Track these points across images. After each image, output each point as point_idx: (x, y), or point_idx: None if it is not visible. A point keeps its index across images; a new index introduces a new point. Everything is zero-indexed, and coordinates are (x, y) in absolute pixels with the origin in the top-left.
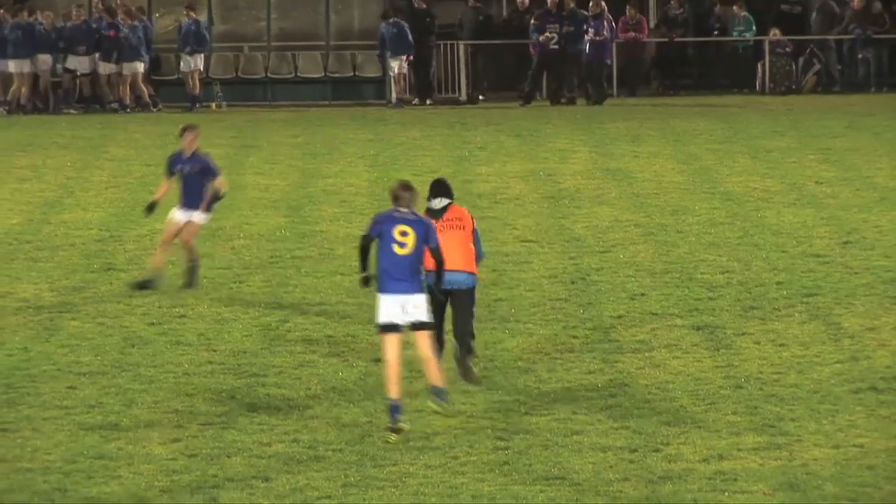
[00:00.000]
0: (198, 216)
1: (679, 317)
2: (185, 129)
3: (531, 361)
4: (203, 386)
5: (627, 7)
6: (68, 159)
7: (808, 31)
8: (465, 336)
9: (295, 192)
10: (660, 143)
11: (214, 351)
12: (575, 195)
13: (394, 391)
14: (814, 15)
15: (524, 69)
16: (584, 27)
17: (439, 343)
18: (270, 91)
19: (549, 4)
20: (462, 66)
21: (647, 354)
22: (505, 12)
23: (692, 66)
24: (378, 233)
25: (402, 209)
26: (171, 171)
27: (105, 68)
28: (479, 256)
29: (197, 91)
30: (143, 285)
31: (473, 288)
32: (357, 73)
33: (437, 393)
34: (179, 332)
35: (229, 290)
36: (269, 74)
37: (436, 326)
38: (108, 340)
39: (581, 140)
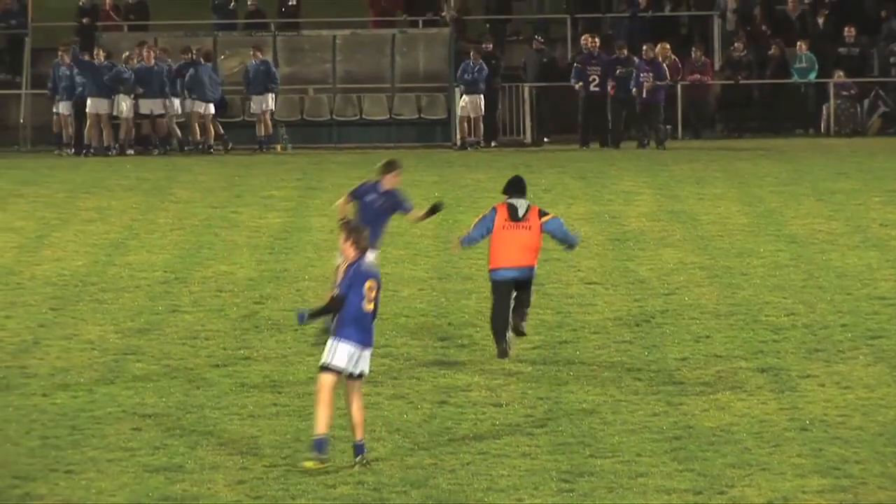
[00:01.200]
0: (371, 255)
1: (744, 359)
2: (389, 165)
3: (596, 403)
4: (268, 428)
5: (693, 49)
6: (133, 201)
7: (872, 72)
8: (522, 307)
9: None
10: (724, 186)
11: (279, 393)
12: (639, 237)
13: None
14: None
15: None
16: (633, 71)
17: (505, 324)
18: (335, 133)
19: (588, 46)
20: (527, 108)
21: (711, 397)
22: (569, 55)
23: (756, 108)
24: (347, 290)
25: (369, 259)
26: (355, 196)
27: (182, 108)
28: (573, 239)
29: (270, 131)
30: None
31: (532, 279)
32: (422, 115)
33: (359, 447)
34: (244, 374)
35: (294, 332)
36: (334, 116)
37: (506, 309)
38: (173, 382)
39: (645, 182)
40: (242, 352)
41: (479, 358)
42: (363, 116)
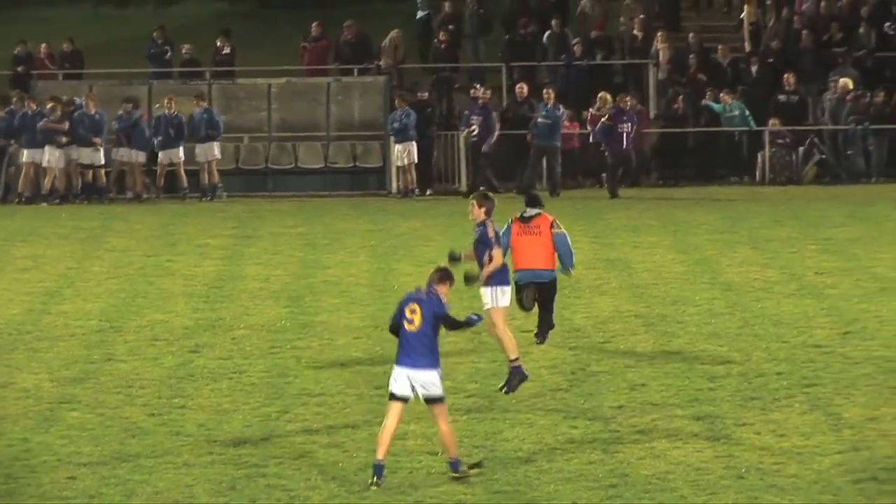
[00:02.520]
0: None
1: (679, 407)
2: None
3: (531, 451)
4: (203, 476)
5: (628, 98)
6: (68, 249)
7: (808, 120)
8: (548, 317)
9: (295, 283)
10: (660, 234)
11: (215, 441)
12: (575, 285)
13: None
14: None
15: (524, 159)
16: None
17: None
18: (271, 181)
19: (472, 95)
20: (462, 156)
21: (647, 445)
22: (504, 102)
23: (692, 157)
24: (398, 318)
25: (422, 288)
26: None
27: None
28: (568, 258)
29: (216, 180)
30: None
31: (555, 280)
32: (357, 163)
33: (455, 464)
34: (179, 423)
35: (229, 381)
36: (269, 165)
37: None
38: (108, 431)
39: (581, 230)
40: (178, 401)
41: (415, 406)
42: (299, 165)
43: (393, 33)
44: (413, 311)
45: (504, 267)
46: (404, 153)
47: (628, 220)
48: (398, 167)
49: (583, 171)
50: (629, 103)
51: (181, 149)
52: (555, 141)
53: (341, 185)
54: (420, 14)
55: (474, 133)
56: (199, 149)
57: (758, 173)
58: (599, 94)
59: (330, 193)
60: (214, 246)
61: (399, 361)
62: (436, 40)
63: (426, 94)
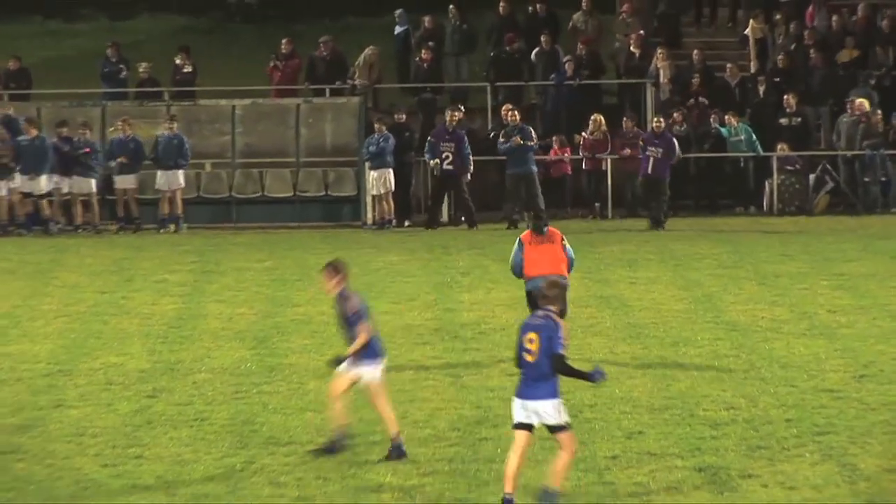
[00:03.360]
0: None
1: (680, 457)
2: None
3: None
4: None
5: (624, 120)
6: (15, 286)
7: (819, 145)
8: None
9: (261, 322)
10: (658, 269)
11: (174, 495)
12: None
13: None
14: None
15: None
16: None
17: None
18: (235, 211)
19: (448, 118)
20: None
21: (645, 498)
22: (489, 126)
23: (693, 185)
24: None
25: (539, 313)
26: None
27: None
28: (570, 261)
29: (179, 211)
30: (330, 449)
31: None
32: (329, 191)
33: (546, 495)
34: (136, 475)
35: (190, 429)
36: (233, 193)
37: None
38: (58, 484)
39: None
40: (134, 450)
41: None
42: (265, 193)
43: (368, 50)
44: (531, 341)
45: (373, 340)
46: (380, 181)
47: (623, 253)
48: (374, 196)
49: (574, 201)
50: (662, 125)
51: (136, 175)
52: (530, 165)
53: (312, 215)
54: (398, 30)
55: (447, 161)
56: (163, 176)
57: (765, 203)
58: (592, 117)
59: (299, 225)
60: (173, 282)
61: (517, 393)
62: (416, 58)
63: (404, 117)
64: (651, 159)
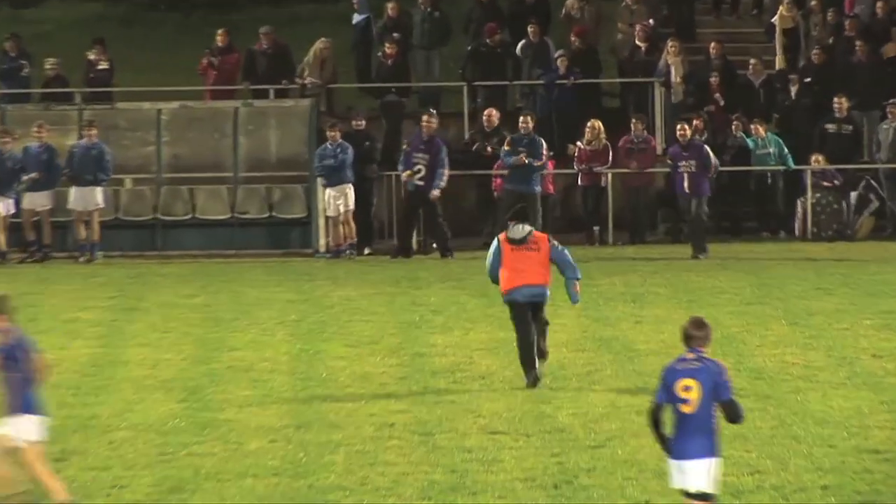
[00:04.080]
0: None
1: None
2: None
3: None
4: None
5: (633, 122)
6: None
7: (862, 157)
8: (540, 344)
9: (192, 370)
10: (669, 305)
11: None
12: (558, 373)
13: None
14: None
15: (490, 207)
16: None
17: (532, 352)
18: (161, 237)
19: (424, 125)
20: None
21: None
22: (466, 134)
23: (712, 204)
24: (666, 398)
25: (688, 356)
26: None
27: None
28: (573, 270)
29: (96, 237)
30: None
31: (545, 300)
32: (274, 213)
33: None
34: None
35: (106, 498)
36: (158, 215)
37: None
38: None
39: (565, 301)
40: None
41: None
42: (197, 215)
43: (319, 43)
44: (688, 389)
45: (32, 388)
46: (338, 200)
47: (627, 286)
48: (328, 218)
49: (567, 224)
50: (688, 132)
51: (50, 193)
52: (532, 185)
53: (253, 241)
54: (357, 19)
55: (419, 176)
56: (78, 194)
57: (797, 226)
58: (589, 123)
59: (238, 253)
60: (87, 321)
61: (672, 453)
62: (378, 53)
63: (363, 123)
64: (685, 176)
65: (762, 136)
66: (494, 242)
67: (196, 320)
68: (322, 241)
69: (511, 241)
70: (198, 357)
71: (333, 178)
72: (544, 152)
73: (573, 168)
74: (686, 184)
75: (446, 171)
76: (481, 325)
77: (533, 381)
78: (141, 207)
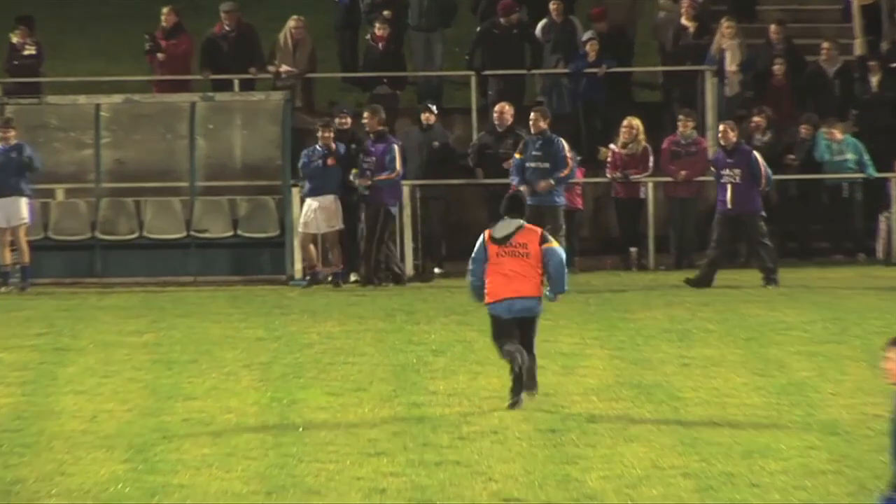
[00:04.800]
0: None
1: None
2: None
3: None
4: None
5: (680, 120)
6: None
7: None
8: (528, 362)
9: (140, 423)
10: (722, 344)
11: None
12: (587, 427)
13: None
14: None
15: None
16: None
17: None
18: (100, 260)
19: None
20: (406, 220)
21: None
22: (475, 135)
23: (775, 221)
24: None
25: None
26: None
27: None
28: (560, 281)
29: (26, 259)
30: None
31: (536, 315)
32: (239, 231)
33: None
34: None
35: None
36: (97, 234)
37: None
38: None
39: (596, 339)
40: None
41: None
42: (145, 234)
43: (291, 22)
44: None
45: None
46: (322, 216)
47: (672, 322)
48: (306, 235)
49: (599, 245)
50: (732, 134)
51: None
52: (554, 197)
53: (214, 265)
54: None
55: (363, 185)
56: (1, 204)
57: (879, 247)
58: (626, 122)
59: (196, 280)
60: (9, 364)
61: None
62: (367, 36)
63: (348, 121)
64: (728, 188)
65: (838, 139)
66: (480, 238)
67: (144, 363)
68: (297, 266)
69: (494, 239)
70: (146, 408)
71: (319, 187)
72: (568, 156)
73: (606, 176)
74: (729, 196)
75: (398, 176)
76: (492, 369)
77: (514, 404)
78: (76, 224)
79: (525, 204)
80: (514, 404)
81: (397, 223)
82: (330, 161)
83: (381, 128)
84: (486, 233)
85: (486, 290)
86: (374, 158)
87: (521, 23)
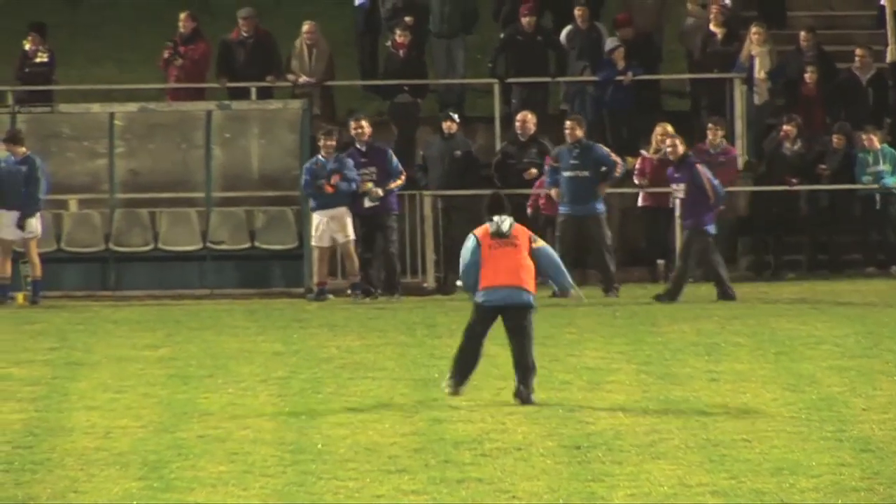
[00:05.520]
0: None
1: None
2: None
3: None
4: None
5: (710, 128)
6: None
7: None
8: (523, 369)
9: (154, 440)
10: (752, 359)
11: None
12: (613, 443)
13: None
14: None
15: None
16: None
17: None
18: (114, 273)
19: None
20: (428, 231)
21: None
22: (498, 145)
23: (806, 232)
24: None
25: None
26: None
27: None
28: (561, 276)
29: (38, 273)
30: None
31: (533, 308)
32: (256, 242)
33: None
34: None
35: None
36: (111, 246)
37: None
38: None
39: (622, 353)
40: None
41: None
42: (160, 246)
43: (307, 27)
44: None
45: None
46: (336, 226)
47: (700, 335)
48: (322, 249)
49: (624, 257)
50: (679, 146)
51: None
52: (595, 205)
53: (229, 278)
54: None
55: (376, 196)
56: (7, 220)
57: None
58: (659, 128)
59: (212, 293)
60: (21, 379)
61: None
62: (387, 42)
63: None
64: (678, 202)
65: (876, 147)
66: (471, 239)
67: (158, 378)
68: (315, 278)
69: (494, 230)
70: (161, 424)
71: (327, 203)
72: (616, 159)
73: (632, 186)
74: (678, 213)
75: (395, 188)
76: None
77: (454, 390)
78: (89, 236)
79: (507, 202)
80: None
81: (419, 233)
82: (328, 189)
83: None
84: (479, 233)
85: (478, 280)
86: (374, 168)
87: (544, 29)
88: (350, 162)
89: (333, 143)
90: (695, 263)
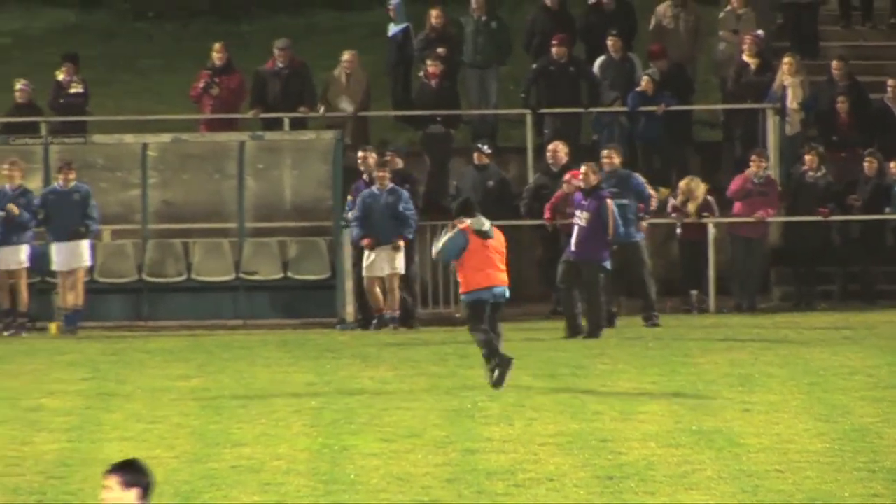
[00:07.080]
0: None
1: None
2: None
3: None
4: None
5: (753, 160)
6: None
7: None
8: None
9: (187, 470)
10: (785, 389)
11: None
12: (645, 474)
13: None
14: None
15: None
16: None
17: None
18: (147, 304)
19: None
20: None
21: None
22: (531, 175)
23: (839, 262)
24: None
25: None
26: None
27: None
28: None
29: (80, 302)
30: None
31: (507, 299)
32: (290, 273)
33: None
34: None
35: None
36: (144, 276)
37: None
38: None
39: (654, 383)
40: None
41: None
42: (193, 276)
43: (346, 57)
44: None
45: None
46: (386, 257)
47: (732, 366)
48: (371, 280)
49: (659, 286)
50: (593, 175)
51: (26, 248)
52: (633, 232)
53: (262, 308)
54: (393, 30)
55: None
56: (62, 250)
57: None
58: (682, 183)
59: (245, 323)
60: (54, 410)
61: None
62: (419, 73)
63: (400, 162)
64: (575, 230)
65: None
66: (456, 231)
67: (191, 408)
68: (349, 308)
69: (478, 232)
70: (194, 454)
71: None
72: (651, 192)
73: (666, 217)
74: (574, 239)
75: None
76: (548, 414)
77: (500, 375)
78: (122, 266)
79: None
80: (497, 383)
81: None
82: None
83: None
84: (463, 225)
85: (467, 280)
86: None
87: (576, 60)
88: (405, 194)
89: (386, 173)
90: (581, 297)
